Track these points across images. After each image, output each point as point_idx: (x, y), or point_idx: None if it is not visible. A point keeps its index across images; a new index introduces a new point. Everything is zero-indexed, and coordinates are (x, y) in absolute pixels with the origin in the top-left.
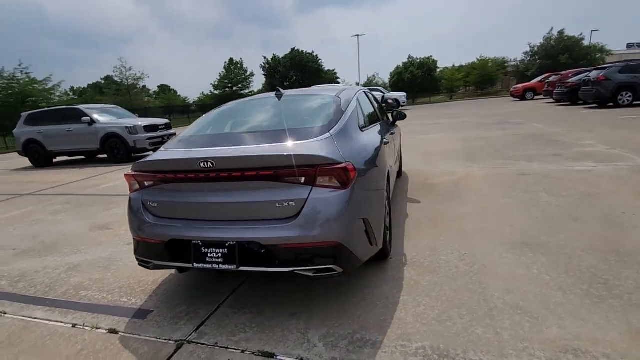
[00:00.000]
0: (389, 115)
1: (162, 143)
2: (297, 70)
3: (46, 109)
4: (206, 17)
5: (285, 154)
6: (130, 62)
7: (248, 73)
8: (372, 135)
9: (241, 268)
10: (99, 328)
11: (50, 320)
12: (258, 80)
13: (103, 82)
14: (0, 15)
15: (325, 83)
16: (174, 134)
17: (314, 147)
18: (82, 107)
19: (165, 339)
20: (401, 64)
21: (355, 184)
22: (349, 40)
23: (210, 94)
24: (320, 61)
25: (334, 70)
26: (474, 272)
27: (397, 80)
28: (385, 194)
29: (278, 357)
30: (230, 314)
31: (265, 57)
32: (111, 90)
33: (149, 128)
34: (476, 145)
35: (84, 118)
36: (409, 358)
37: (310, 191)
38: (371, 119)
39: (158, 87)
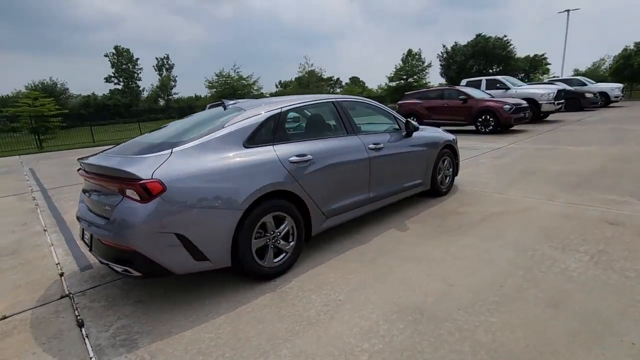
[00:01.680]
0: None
1: None
2: (478, 59)
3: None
4: (410, 6)
5: (105, 165)
6: (337, 57)
7: (425, 64)
8: (264, 153)
9: (91, 252)
10: (61, 268)
11: (57, 255)
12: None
13: (306, 75)
14: (251, 26)
15: (515, 71)
16: None
17: (132, 162)
18: (240, 101)
19: (67, 288)
20: (632, 45)
21: (164, 200)
22: (576, 18)
23: (385, 86)
24: (511, 47)
25: (542, 55)
26: (309, 321)
27: (623, 67)
28: (234, 213)
29: (84, 328)
30: (116, 287)
31: (444, 46)
32: (294, 83)
33: None
34: (618, 169)
35: None
36: None
37: (121, 200)
38: (309, 134)
39: (349, 79)
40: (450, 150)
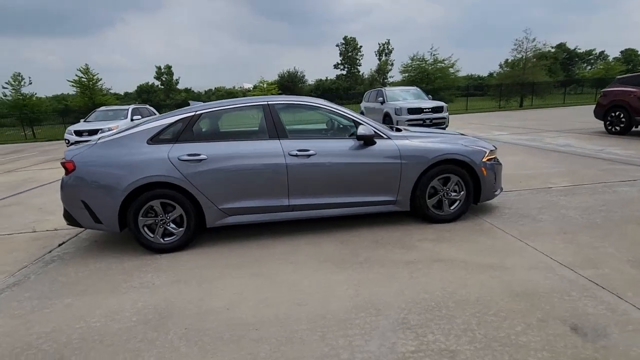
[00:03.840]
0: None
1: (421, 125)
2: None
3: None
4: None
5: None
6: (622, 22)
7: None
8: (158, 151)
9: None
10: None
11: None
12: None
13: (552, 50)
14: None
15: None
16: (443, 118)
17: (77, 147)
18: (385, 89)
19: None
20: None
21: (74, 175)
22: None
23: None
24: None
25: None
26: (106, 290)
27: None
28: (119, 194)
29: (60, 246)
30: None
31: None
32: (508, 64)
33: (412, 111)
34: None
35: (379, 98)
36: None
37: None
38: (219, 136)
39: (621, 52)
40: (462, 168)
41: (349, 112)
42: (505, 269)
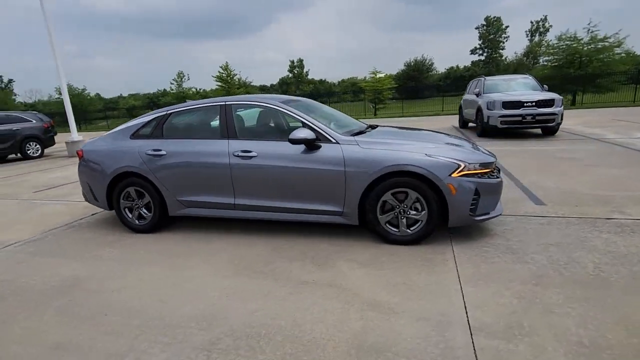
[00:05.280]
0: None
1: (520, 123)
2: None
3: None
4: None
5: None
6: None
7: None
8: (134, 145)
9: None
10: None
11: None
12: None
13: None
14: None
15: None
16: (552, 115)
17: (89, 139)
18: (485, 78)
19: None
20: None
21: (82, 161)
22: None
23: None
24: None
25: None
26: (65, 255)
27: None
28: (106, 178)
29: (85, 218)
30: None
31: None
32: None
33: (509, 105)
34: None
35: (476, 89)
36: None
37: None
38: (179, 134)
39: None
40: (422, 183)
41: (297, 112)
42: (391, 313)
